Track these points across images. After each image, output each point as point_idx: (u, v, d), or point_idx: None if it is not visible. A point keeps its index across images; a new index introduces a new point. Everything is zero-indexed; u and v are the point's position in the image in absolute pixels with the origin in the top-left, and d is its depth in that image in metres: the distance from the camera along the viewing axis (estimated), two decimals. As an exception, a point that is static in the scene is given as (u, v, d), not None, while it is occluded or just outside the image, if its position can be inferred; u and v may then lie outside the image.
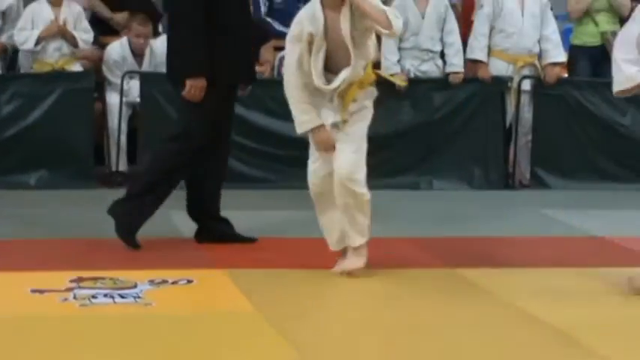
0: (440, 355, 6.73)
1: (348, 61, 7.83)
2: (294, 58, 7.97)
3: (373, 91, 8.20)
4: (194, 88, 9.27)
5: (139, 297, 7.83)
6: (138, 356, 6.59)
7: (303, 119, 8.09)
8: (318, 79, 7.85)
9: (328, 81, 7.97)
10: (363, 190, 8.24)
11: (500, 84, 13.01)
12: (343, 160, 8.10)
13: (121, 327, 7.12)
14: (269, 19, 13.92)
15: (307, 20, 7.90)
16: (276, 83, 10.84)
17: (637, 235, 10.29)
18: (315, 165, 8.25)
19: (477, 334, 7.23)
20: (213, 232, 9.80)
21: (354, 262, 8.32)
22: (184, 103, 9.47)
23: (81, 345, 6.76)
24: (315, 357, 6.62)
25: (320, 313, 7.87)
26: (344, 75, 7.88)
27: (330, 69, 7.89)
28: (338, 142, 8.10)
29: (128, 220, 9.58)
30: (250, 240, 9.83)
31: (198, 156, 9.67)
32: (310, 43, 7.85)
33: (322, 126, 8.04)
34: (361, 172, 8.22)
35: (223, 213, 10.04)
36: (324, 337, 7.10)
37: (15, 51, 13.09)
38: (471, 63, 13.01)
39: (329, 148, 8.13)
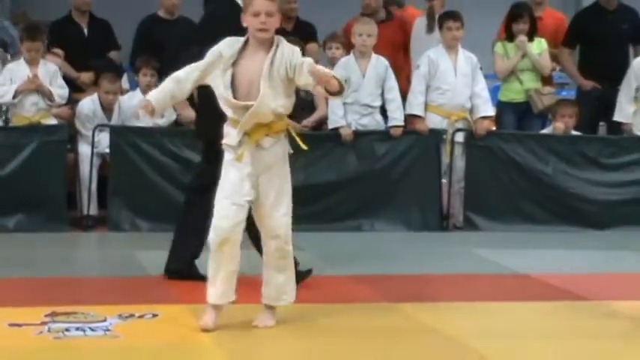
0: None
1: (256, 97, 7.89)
2: (203, 61, 8.00)
3: (285, 147, 8.19)
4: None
5: (108, 330, 8.12)
6: None
7: (153, 94, 8.15)
8: (223, 92, 7.90)
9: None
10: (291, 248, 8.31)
11: (436, 136, 13.40)
12: (279, 223, 8.12)
13: (91, 358, 7.56)
14: None
15: (226, 44, 8.03)
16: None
17: (557, 272, 10.83)
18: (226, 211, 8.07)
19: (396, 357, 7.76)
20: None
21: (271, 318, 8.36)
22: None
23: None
24: None
25: (273, 344, 8.09)
26: (254, 106, 7.85)
27: (240, 99, 7.91)
28: (265, 200, 8.07)
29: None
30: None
31: None
32: (218, 61, 7.96)
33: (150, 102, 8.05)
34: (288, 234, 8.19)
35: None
36: None
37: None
38: (409, 117, 13.34)
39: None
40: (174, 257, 10.08)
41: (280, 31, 8.77)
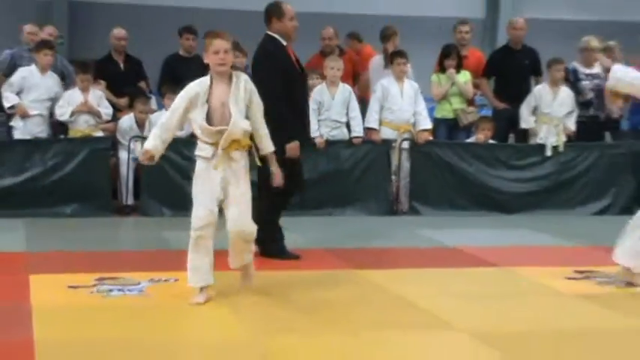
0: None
1: (228, 121, 7.79)
2: (178, 105, 7.84)
3: (247, 159, 8.08)
4: (293, 150, 9.59)
5: (141, 291, 8.34)
6: (141, 329, 7.14)
7: (149, 143, 7.94)
8: (202, 122, 7.78)
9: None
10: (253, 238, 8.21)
11: (387, 144, 13.35)
12: (244, 219, 8.03)
13: (128, 311, 7.67)
14: None
15: (197, 84, 7.84)
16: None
17: (477, 246, 10.93)
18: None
19: (356, 310, 7.99)
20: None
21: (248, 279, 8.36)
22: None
23: (104, 322, 7.33)
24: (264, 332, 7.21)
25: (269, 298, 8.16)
26: (229, 128, 7.77)
27: (214, 125, 7.81)
28: (233, 199, 7.95)
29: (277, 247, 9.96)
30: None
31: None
32: (195, 99, 7.77)
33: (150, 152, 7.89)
34: (252, 226, 8.08)
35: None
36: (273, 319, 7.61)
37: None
38: (367, 130, 13.29)
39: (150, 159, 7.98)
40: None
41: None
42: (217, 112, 7.84)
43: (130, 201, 13.02)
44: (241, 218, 7.97)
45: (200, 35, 14.11)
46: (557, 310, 8.37)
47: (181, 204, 11.91)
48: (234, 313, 7.73)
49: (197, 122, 7.88)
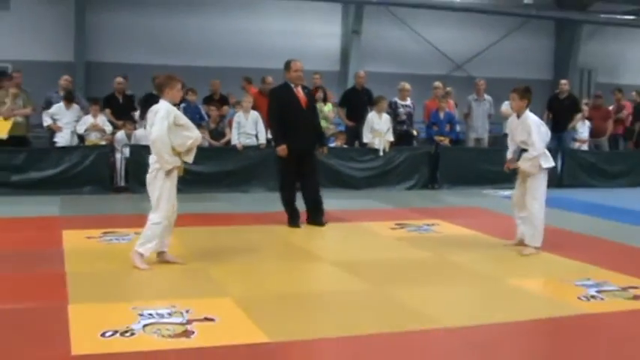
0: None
1: None
2: (166, 125, 6.73)
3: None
4: (281, 150, 9.22)
5: (130, 240, 8.05)
6: (131, 262, 6.94)
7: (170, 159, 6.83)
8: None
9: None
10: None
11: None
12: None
13: (123, 251, 7.44)
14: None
15: (169, 108, 6.87)
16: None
17: (338, 209, 10.48)
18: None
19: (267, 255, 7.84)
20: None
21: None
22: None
23: (108, 258, 7.30)
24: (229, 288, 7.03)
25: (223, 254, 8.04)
26: (195, 140, 6.96)
27: None
28: None
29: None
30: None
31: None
32: (172, 119, 6.82)
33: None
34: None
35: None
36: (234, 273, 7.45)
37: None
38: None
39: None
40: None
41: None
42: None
43: (123, 184, 12.75)
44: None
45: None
46: (385, 246, 8.45)
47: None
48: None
49: (173, 136, 6.96)
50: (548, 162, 7.91)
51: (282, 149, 9.23)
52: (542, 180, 7.93)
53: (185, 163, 7.01)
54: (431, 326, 5.35)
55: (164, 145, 6.79)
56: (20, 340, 4.89)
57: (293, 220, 9.42)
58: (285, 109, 9.25)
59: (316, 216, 9.49)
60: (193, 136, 6.95)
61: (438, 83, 15.09)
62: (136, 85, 14.55)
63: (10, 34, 17.99)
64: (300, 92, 9.41)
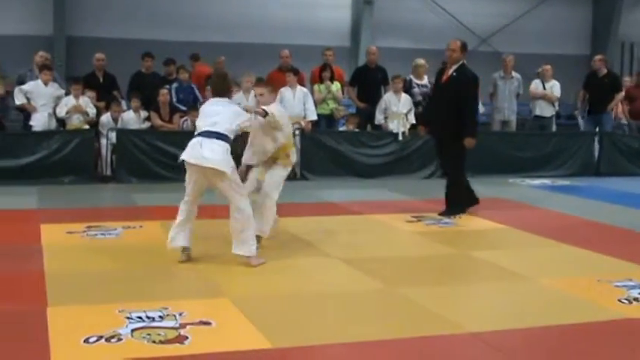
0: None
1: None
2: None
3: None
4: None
5: (117, 234, 8.28)
6: (119, 261, 7.18)
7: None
8: None
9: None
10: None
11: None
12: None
13: (109, 247, 7.67)
14: (177, 104, 13.47)
15: None
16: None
17: (349, 201, 10.81)
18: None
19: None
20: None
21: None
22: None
23: (92, 256, 7.33)
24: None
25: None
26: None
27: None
28: None
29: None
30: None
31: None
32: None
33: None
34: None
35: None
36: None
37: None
38: None
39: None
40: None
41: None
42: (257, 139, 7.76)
43: (108, 172, 12.78)
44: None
45: (157, 59, 14.09)
46: (400, 241, 8.51)
47: (144, 174, 12.07)
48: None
49: None
50: None
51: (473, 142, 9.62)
52: None
53: None
54: (453, 331, 5.33)
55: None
56: (-7, 346, 4.87)
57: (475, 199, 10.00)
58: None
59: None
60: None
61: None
62: (123, 63, 14.60)
63: (-19, 4, 18.01)
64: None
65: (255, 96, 7.81)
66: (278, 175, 7.71)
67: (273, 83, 8.13)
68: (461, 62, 9.71)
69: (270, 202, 7.62)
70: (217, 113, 7.04)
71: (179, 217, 7.13)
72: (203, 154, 6.88)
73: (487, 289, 6.59)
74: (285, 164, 7.76)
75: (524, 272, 7.02)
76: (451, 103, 9.58)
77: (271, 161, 7.70)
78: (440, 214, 9.72)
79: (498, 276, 6.97)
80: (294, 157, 7.95)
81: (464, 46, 9.70)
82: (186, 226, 7.15)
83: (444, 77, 9.82)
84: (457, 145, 9.60)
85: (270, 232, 7.71)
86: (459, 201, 9.86)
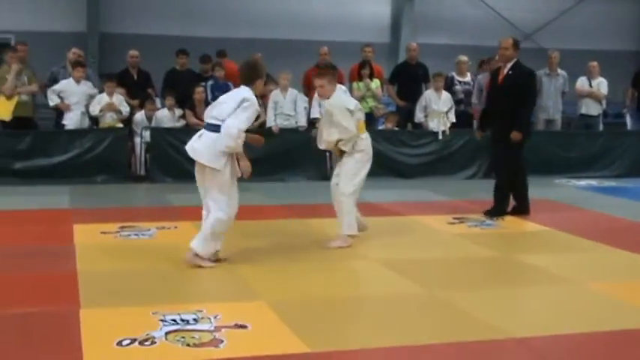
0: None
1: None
2: None
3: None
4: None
5: (151, 235, 8.36)
6: (152, 261, 7.22)
7: None
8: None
9: None
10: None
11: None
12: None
13: (143, 248, 7.74)
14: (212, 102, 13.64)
15: None
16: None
17: (390, 202, 10.76)
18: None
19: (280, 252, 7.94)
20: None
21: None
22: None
23: (126, 256, 7.42)
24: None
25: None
26: None
27: None
28: None
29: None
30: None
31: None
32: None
33: None
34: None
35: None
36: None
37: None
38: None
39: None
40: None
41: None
42: None
43: (142, 172, 12.86)
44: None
45: (191, 56, 14.13)
46: (441, 244, 8.44)
47: (179, 174, 12.06)
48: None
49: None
50: None
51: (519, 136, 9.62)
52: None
53: None
54: (496, 337, 5.29)
55: None
56: (26, 349, 4.91)
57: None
58: None
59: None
60: None
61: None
62: (157, 60, 14.67)
63: (13, 0, 18.12)
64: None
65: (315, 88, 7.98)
66: (347, 166, 7.85)
67: (332, 73, 8.06)
68: (515, 60, 9.73)
69: (340, 196, 7.80)
70: (221, 103, 7.04)
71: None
72: (194, 144, 6.94)
73: (531, 293, 6.55)
74: (353, 154, 7.83)
75: (571, 276, 6.96)
76: (510, 104, 9.59)
77: (339, 151, 7.88)
78: (510, 214, 9.81)
79: (543, 280, 6.92)
80: (362, 147, 7.96)
81: (516, 44, 9.76)
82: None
83: (500, 77, 9.83)
84: (519, 145, 9.64)
85: (355, 227, 7.87)
86: (525, 201, 9.90)
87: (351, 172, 7.81)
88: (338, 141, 7.81)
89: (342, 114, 7.70)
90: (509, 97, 9.61)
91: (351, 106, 7.82)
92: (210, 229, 6.92)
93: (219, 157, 6.83)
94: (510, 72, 9.74)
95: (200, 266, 6.93)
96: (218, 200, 6.90)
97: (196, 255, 6.98)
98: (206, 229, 6.95)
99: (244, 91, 6.96)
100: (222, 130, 6.79)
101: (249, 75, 7.06)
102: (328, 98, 7.80)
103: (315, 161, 13.10)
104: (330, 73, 7.87)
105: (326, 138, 7.83)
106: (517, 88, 9.63)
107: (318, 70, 8.35)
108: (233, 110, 6.82)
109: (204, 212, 7.09)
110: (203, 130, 6.99)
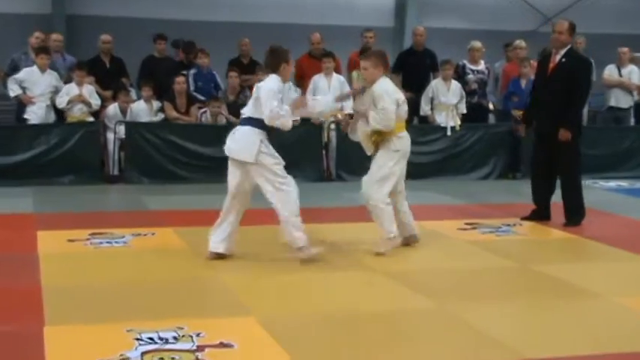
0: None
1: None
2: None
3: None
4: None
5: (125, 242, 8.39)
6: (127, 273, 7.25)
7: None
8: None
9: None
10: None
11: (320, 125, 13.13)
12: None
13: (115, 257, 7.79)
14: (195, 93, 13.55)
15: None
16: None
17: None
18: None
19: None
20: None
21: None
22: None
23: (97, 268, 7.40)
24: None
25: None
26: None
27: None
28: None
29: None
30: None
31: None
32: None
33: None
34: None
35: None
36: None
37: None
38: None
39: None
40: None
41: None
42: None
43: (116, 172, 12.90)
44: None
45: (169, 42, 14.14)
46: (452, 252, 8.47)
47: (157, 174, 12.07)
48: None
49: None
50: None
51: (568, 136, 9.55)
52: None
53: None
54: (510, 357, 5.28)
55: None
56: (-18, 372, 4.89)
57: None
58: None
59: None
60: None
61: (519, 42, 14.94)
62: (131, 46, 14.71)
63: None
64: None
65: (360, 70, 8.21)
66: (377, 163, 8.13)
67: (380, 57, 8.20)
68: (569, 46, 9.68)
69: (369, 199, 8.05)
70: (254, 96, 7.45)
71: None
72: (228, 142, 7.44)
73: (550, 308, 6.50)
74: (387, 152, 8.12)
75: (597, 289, 6.94)
76: (562, 95, 9.46)
77: (374, 144, 8.16)
78: (565, 225, 9.61)
79: (564, 293, 6.90)
80: (398, 147, 8.22)
81: (572, 27, 9.60)
82: (222, 226, 7.54)
83: (551, 65, 9.67)
84: (572, 143, 9.52)
85: (394, 228, 8.06)
86: (581, 207, 9.78)
87: (378, 168, 8.06)
88: (374, 133, 8.01)
89: (390, 101, 7.89)
90: (560, 87, 9.49)
91: (400, 98, 8.07)
92: (286, 219, 7.41)
93: (251, 148, 7.26)
94: (563, 59, 9.64)
95: (305, 257, 7.47)
96: (275, 188, 7.41)
97: (298, 249, 7.48)
98: (286, 223, 7.43)
99: (265, 81, 7.42)
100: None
101: (272, 62, 7.52)
102: (373, 83, 7.95)
103: (312, 160, 13.35)
104: (376, 57, 8.07)
105: (364, 126, 8.02)
106: (570, 79, 9.51)
107: (364, 53, 8.43)
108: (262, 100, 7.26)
109: (222, 215, 7.52)
110: (238, 126, 7.49)
